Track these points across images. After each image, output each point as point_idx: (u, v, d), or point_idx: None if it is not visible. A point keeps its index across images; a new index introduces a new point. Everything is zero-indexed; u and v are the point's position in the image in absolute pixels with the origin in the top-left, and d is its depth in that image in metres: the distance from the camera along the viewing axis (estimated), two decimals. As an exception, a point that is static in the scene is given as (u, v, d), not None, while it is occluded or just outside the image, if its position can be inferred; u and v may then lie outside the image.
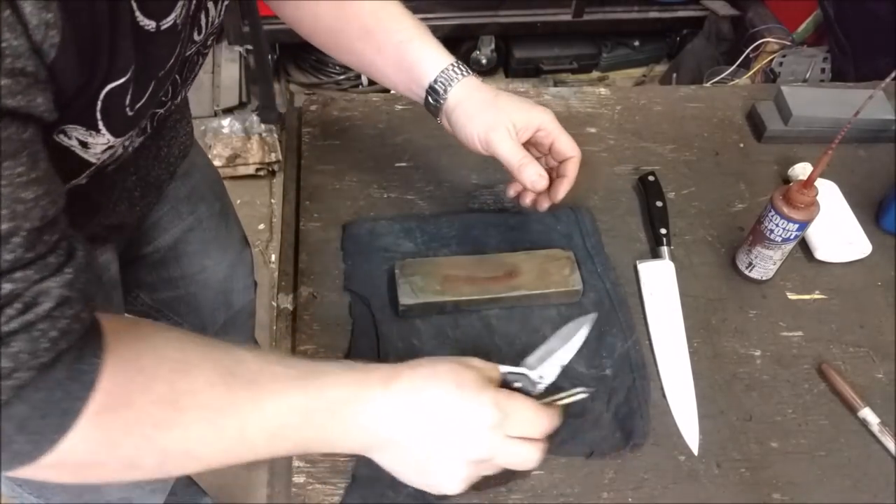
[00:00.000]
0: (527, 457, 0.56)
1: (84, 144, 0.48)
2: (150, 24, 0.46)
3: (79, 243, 0.43)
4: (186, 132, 0.83)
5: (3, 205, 0.36)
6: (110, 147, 0.51)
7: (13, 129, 0.36)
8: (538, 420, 0.56)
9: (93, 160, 0.51)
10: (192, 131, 0.86)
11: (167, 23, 0.48)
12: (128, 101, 0.48)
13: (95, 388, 0.43)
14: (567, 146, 0.70)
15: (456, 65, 0.69)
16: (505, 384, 0.59)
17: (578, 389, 0.62)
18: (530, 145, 0.72)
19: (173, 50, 0.52)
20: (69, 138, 0.47)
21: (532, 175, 0.66)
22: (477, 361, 0.58)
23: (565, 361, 0.61)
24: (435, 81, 0.69)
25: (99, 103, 0.45)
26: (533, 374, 0.60)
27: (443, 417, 0.54)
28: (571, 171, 0.71)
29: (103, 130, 0.48)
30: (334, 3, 0.71)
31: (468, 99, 0.68)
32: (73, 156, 0.49)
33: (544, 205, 0.74)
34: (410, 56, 0.70)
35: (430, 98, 0.70)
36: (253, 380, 0.49)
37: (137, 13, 0.44)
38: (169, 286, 0.98)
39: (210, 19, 0.59)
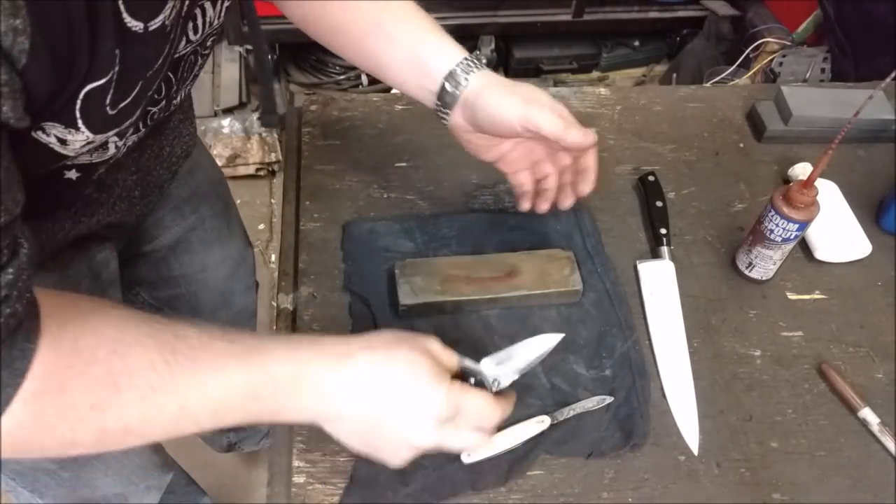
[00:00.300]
0: (471, 443, 0.58)
1: (63, 142, 0.48)
2: (137, 26, 0.46)
3: (25, 239, 0.42)
4: (189, 132, 0.83)
5: None
6: (89, 143, 0.50)
7: None
8: (491, 415, 0.57)
9: (70, 154, 0.51)
10: (195, 131, 0.86)
11: (155, 24, 0.47)
12: (108, 101, 0.48)
13: (27, 376, 0.43)
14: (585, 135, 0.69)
15: (472, 57, 0.68)
16: (461, 376, 0.59)
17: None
18: (538, 144, 0.71)
19: (161, 50, 0.51)
20: (47, 135, 0.47)
21: (579, 135, 0.65)
22: (436, 347, 0.57)
23: (522, 369, 0.61)
24: (455, 69, 0.67)
25: (78, 102, 0.45)
26: (489, 374, 0.60)
27: (393, 405, 0.54)
28: (591, 161, 0.70)
29: (83, 128, 0.48)
30: None
31: (494, 84, 0.67)
32: (50, 152, 0.49)
33: (566, 202, 0.73)
34: (426, 48, 0.68)
35: (447, 86, 0.67)
36: (194, 357, 0.49)
37: (124, 14, 0.44)
38: (169, 284, 0.98)
39: (208, 19, 0.58)
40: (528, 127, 0.65)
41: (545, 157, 0.73)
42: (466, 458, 0.66)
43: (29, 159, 0.50)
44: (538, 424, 0.68)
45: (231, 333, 0.52)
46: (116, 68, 0.46)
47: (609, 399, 0.71)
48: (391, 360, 0.55)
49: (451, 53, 0.68)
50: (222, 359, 0.50)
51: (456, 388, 0.55)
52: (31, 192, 0.54)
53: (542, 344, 0.62)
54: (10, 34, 0.35)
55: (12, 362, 0.42)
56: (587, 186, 0.71)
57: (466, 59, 0.68)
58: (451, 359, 0.58)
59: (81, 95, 0.45)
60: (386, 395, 0.54)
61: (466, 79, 0.67)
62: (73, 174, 0.60)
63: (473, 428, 0.57)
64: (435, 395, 0.54)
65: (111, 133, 0.52)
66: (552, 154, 0.72)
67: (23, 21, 0.35)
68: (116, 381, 0.46)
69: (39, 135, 0.47)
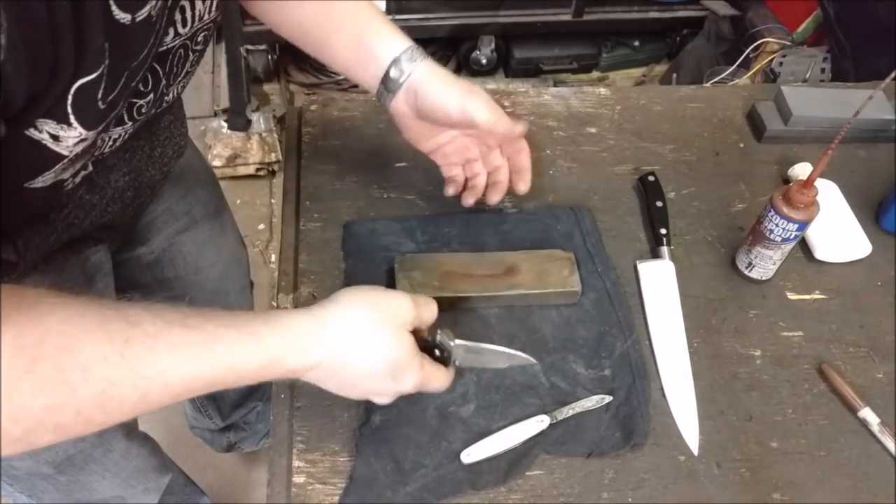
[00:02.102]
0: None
1: (55, 138, 0.48)
2: (125, 17, 0.46)
3: None
4: (181, 133, 0.83)
5: None
6: (82, 140, 0.50)
7: None
8: (442, 384, 0.62)
9: (65, 153, 0.50)
10: (186, 132, 0.86)
11: (142, 14, 0.47)
12: (100, 95, 0.47)
13: None
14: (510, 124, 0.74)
15: (416, 46, 0.72)
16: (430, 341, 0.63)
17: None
18: (472, 142, 0.77)
19: (147, 41, 0.51)
20: (39, 132, 0.47)
21: (509, 125, 0.71)
22: (410, 319, 0.59)
23: (480, 368, 0.70)
24: (400, 56, 0.71)
25: (70, 97, 0.45)
26: (455, 355, 0.63)
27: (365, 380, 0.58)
28: (525, 161, 0.76)
29: (75, 124, 0.47)
30: None
31: (436, 74, 0.71)
32: (43, 149, 0.48)
33: (494, 198, 0.77)
34: (373, 36, 0.71)
35: (391, 72, 0.71)
36: (151, 346, 0.47)
37: (113, 7, 0.44)
38: (164, 287, 0.98)
39: (197, 13, 0.58)
40: (465, 116, 0.69)
41: (478, 157, 0.78)
42: (466, 458, 0.66)
43: (27, 162, 0.49)
44: (538, 424, 0.68)
45: (188, 317, 0.50)
46: (106, 62, 0.45)
47: (608, 398, 0.71)
48: (371, 356, 0.56)
49: (397, 41, 0.71)
50: (181, 349, 0.48)
51: (422, 372, 0.59)
52: (25, 192, 0.53)
53: (510, 358, 0.67)
54: None
55: None
56: (523, 185, 0.78)
57: (412, 48, 0.71)
58: (427, 321, 0.61)
59: (73, 91, 0.44)
60: (361, 380, 0.57)
61: (411, 66, 0.70)
62: (69, 178, 0.59)
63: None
64: (407, 383, 0.59)
65: (102, 126, 0.52)
66: (485, 154, 0.78)
67: None
68: (68, 379, 0.44)
69: (32, 132, 0.46)
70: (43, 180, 0.53)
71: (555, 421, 0.69)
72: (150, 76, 0.58)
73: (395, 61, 0.71)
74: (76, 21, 0.41)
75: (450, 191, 0.80)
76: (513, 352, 0.66)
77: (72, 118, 0.46)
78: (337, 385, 0.58)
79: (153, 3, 0.48)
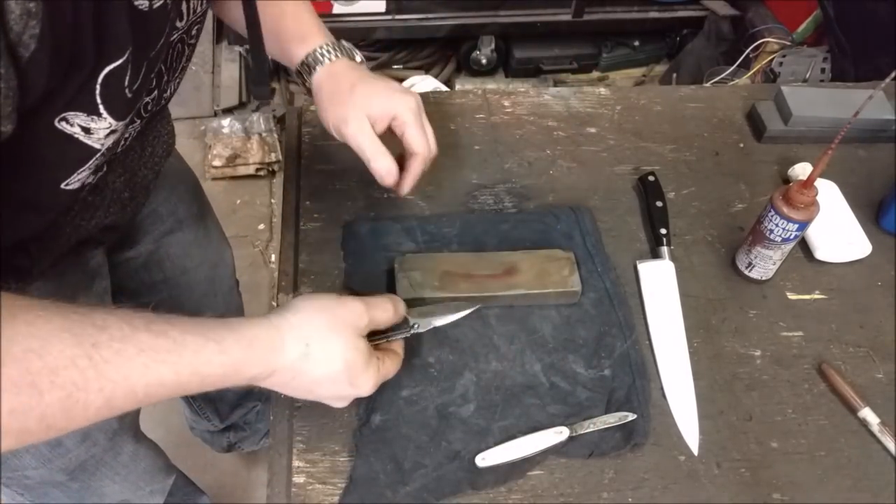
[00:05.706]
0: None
1: (87, 130, 0.48)
2: (143, 4, 0.46)
3: None
4: (168, 131, 0.83)
5: None
6: (113, 132, 0.50)
7: None
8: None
9: (97, 146, 0.50)
10: (173, 130, 0.85)
11: (158, 1, 0.48)
12: (126, 83, 0.48)
13: None
14: (415, 141, 0.70)
15: (326, 46, 0.70)
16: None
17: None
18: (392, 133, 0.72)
19: (162, 30, 0.52)
20: (71, 125, 0.47)
21: (381, 169, 0.67)
22: (363, 322, 0.59)
23: (439, 325, 0.68)
24: (303, 62, 0.70)
25: (98, 87, 0.45)
26: (411, 320, 0.66)
27: (323, 392, 0.58)
28: (414, 167, 0.71)
29: (104, 114, 0.47)
30: None
31: (324, 88, 0.69)
32: (77, 144, 0.49)
33: (404, 189, 0.73)
34: (287, 29, 0.71)
35: (302, 74, 0.71)
36: (118, 350, 0.46)
37: None
38: (152, 291, 0.98)
39: (192, 6, 0.59)
40: (345, 142, 0.68)
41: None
42: (481, 462, 0.66)
43: (62, 159, 0.49)
44: (556, 435, 0.68)
45: (153, 322, 0.49)
46: (130, 48, 0.46)
47: (631, 416, 0.70)
48: (327, 362, 0.56)
49: (309, 42, 0.70)
50: (147, 354, 0.47)
51: (378, 374, 0.60)
52: (38, 197, 0.53)
53: (459, 309, 0.69)
54: (24, 17, 0.34)
55: None
56: (403, 188, 0.73)
57: (321, 47, 0.70)
58: (382, 322, 0.61)
59: (101, 79, 0.45)
60: (318, 385, 0.57)
61: (310, 73, 0.70)
62: (90, 177, 0.60)
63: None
64: (363, 387, 0.59)
65: (130, 117, 0.52)
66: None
67: (37, 4, 0.34)
68: (35, 382, 0.42)
69: (63, 126, 0.46)
70: (79, 178, 0.54)
71: (574, 434, 0.69)
72: (156, 71, 0.59)
73: (303, 65, 0.70)
74: (96, 8, 0.41)
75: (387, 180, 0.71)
76: (456, 304, 0.69)
77: (101, 108, 0.47)
78: (294, 391, 0.58)
79: None
